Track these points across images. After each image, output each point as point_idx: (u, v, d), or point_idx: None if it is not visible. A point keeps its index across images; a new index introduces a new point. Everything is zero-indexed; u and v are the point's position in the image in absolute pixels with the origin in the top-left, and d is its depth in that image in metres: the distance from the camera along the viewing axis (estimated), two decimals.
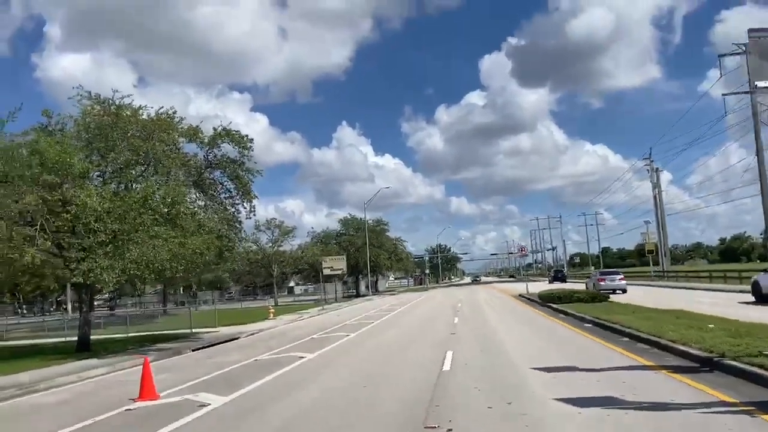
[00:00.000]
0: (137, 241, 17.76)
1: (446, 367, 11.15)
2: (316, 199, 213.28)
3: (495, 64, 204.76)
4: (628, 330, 13.90)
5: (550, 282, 63.16)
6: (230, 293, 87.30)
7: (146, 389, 9.88)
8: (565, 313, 21.75)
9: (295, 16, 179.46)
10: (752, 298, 22.86)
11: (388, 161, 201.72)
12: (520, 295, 38.38)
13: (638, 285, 47.46)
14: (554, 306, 25.19)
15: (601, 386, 8.29)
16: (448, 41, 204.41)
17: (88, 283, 18.00)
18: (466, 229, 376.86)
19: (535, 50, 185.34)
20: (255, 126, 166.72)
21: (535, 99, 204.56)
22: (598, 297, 25.42)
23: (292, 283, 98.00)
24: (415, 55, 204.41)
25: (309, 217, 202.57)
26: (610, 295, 28.28)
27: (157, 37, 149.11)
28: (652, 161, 58.18)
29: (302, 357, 14.57)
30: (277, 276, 61.10)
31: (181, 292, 79.94)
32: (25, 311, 66.96)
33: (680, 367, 9.40)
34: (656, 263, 58.40)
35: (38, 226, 17.96)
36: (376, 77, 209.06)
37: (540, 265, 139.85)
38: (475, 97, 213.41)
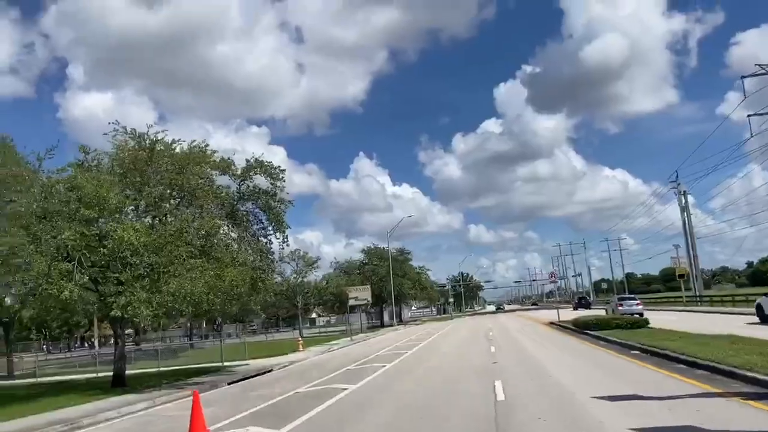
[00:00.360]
0: (174, 274, 17.74)
1: (500, 397, 10.78)
2: (334, 229, 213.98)
3: (510, 92, 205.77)
4: (683, 356, 13.40)
5: (575, 309, 62.08)
6: (253, 326, 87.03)
7: (197, 424, 9.65)
8: (606, 340, 21.17)
9: (312, 51, 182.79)
10: None
11: (406, 191, 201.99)
12: (551, 323, 37.64)
13: (671, 311, 46.39)
14: (592, 333, 24.58)
15: (676, 415, 7.90)
16: (463, 71, 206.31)
17: (126, 317, 17.95)
18: (485, 257, 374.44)
19: (550, 77, 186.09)
20: (273, 158, 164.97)
21: (551, 125, 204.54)
22: (637, 323, 24.77)
23: (313, 315, 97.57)
24: (430, 85, 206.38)
25: (327, 247, 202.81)
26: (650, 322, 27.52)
27: (177, 75, 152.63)
28: (679, 184, 57.40)
29: (344, 389, 14.26)
30: (301, 307, 60.83)
31: (204, 325, 79.88)
32: (51, 348, 67.28)
33: (752, 394, 8.96)
34: (685, 288, 57.13)
35: (76, 261, 18.01)
36: (392, 108, 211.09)
37: (562, 292, 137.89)
38: (491, 125, 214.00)
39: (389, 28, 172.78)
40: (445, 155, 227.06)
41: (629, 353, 16.81)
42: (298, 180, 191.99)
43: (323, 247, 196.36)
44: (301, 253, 57.64)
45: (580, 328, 27.80)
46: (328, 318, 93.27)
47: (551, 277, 54.21)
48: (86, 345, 73.96)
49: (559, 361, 16.63)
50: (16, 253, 16.66)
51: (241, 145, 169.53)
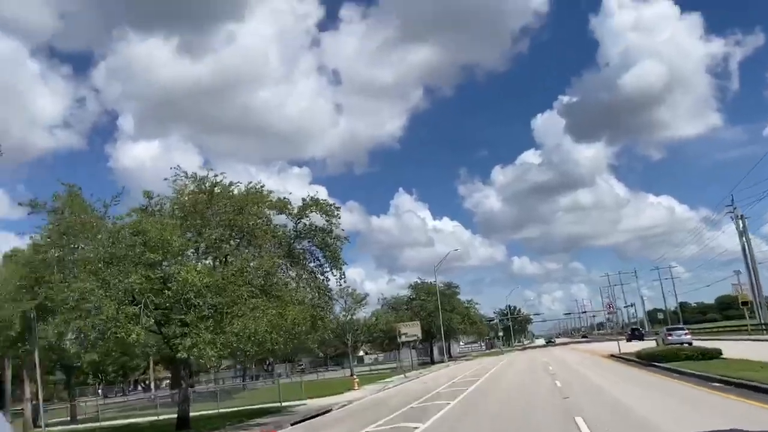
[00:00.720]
0: (237, 314, 17.85)
1: None
2: (376, 266, 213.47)
3: (548, 123, 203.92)
4: None
5: (629, 340, 59.81)
6: (302, 365, 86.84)
7: None
8: (679, 372, 20.18)
9: (350, 92, 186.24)
10: None
11: (447, 225, 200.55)
12: (611, 355, 36.27)
13: (736, 340, 44.18)
14: (660, 365, 23.50)
15: None
16: (499, 104, 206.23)
17: (191, 358, 18.09)
18: (530, 289, 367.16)
19: (588, 106, 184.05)
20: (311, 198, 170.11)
21: (591, 154, 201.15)
22: (709, 354, 23.59)
23: (361, 353, 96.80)
24: (467, 119, 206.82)
25: (370, 284, 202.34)
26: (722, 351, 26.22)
27: (220, 121, 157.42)
28: (735, 208, 55.36)
29: (414, 428, 13.91)
30: (351, 345, 60.47)
31: (254, 366, 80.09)
32: (106, 392, 68.35)
33: None
34: (742, 316, 54.47)
35: (142, 305, 18.33)
36: (429, 143, 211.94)
37: (613, 324, 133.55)
38: (530, 156, 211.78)
39: (424, 66, 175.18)
40: (484, 188, 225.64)
41: (709, 385, 15.93)
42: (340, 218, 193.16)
43: (366, 283, 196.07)
44: (350, 290, 57.57)
45: (645, 360, 26.64)
46: (376, 355, 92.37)
47: (608, 307, 52.28)
48: (140, 388, 74.98)
49: (637, 395, 15.88)
50: (87, 298, 17.08)
51: (284, 185, 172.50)
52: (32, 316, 15.85)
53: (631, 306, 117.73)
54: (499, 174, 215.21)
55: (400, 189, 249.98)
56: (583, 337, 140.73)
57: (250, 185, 22.53)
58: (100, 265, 18.25)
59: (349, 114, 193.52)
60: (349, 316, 55.12)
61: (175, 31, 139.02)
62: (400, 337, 51.03)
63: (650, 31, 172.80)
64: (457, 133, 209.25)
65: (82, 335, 17.77)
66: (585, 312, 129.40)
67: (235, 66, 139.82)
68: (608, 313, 75.01)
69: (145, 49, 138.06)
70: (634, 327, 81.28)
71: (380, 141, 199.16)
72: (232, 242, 21.43)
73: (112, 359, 39.04)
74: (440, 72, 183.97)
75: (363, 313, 61.72)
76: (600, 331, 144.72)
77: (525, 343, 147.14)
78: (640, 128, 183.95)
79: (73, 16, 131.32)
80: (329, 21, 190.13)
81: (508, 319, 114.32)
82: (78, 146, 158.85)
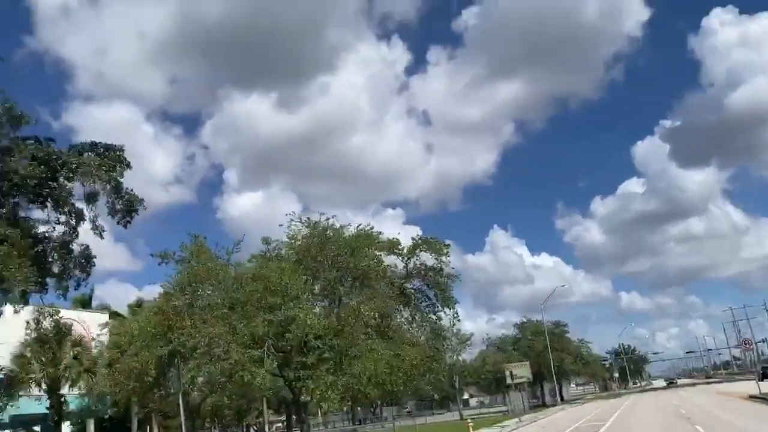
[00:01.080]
0: (356, 356, 17.89)
1: None
2: (473, 305, 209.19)
3: (650, 149, 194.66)
4: None
5: (760, 379, 53.95)
6: (407, 408, 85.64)
7: None
8: None
9: (440, 131, 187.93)
10: None
11: (546, 260, 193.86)
12: (750, 396, 32.86)
13: None
14: None
15: None
16: (595, 132, 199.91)
17: (312, 401, 18.24)
18: (642, 326, 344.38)
19: (694, 129, 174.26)
20: (409, 239, 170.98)
21: (700, 179, 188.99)
22: None
23: (466, 395, 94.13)
24: (561, 150, 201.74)
25: (468, 323, 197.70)
26: None
27: (317, 168, 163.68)
28: None
29: None
30: (458, 388, 58.96)
31: (359, 409, 79.93)
32: None
33: None
34: None
35: (266, 348, 18.80)
36: (523, 178, 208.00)
37: (740, 362, 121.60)
38: (632, 185, 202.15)
39: (514, 100, 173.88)
40: (584, 220, 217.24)
41: None
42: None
43: (465, 323, 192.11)
44: (455, 330, 56.48)
45: None
46: (482, 398, 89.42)
47: (745, 344, 47.60)
48: (253, 431, 76.73)
49: None
50: (216, 342, 17.77)
51: (378, 227, 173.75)
52: (177, 361, 16.66)
53: (762, 342, 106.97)
54: (599, 205, 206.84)
55: (495, 225, 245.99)
56: (707, 377, 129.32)
57: (360, 227, 22.89)
58: (225, 310, 19.01)
59: (440, 153, 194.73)
60: (455, 357, 53.93)
61: (273, 87, 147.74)
62: (512, 378, 49.04)
63: (758, 46, 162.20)
64: (552, 166, 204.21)
65: (212, 378, 18.40)
66: (709, 350, 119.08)
67: (328, 115, 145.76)
68: (745, 350, 68.44)
69: (246, 106, 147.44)
70: (765, 365, 73.56)
71: (472, 178, 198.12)
72: (345, 284, 21.71)
73: (230, 403, 40.22)
74: (531, 105, 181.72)
75: (468, 354, 60.22)
76: (725, 371, 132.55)
77: (642, 384, 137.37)
78: (754, 148, 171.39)
79: (182, 81, 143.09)
80: (417, 65, 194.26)
81: (622, 359, 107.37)
82: (189, 200, 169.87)
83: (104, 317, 35.12)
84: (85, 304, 36.68)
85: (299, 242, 22.26)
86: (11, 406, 16.08)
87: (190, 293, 19.84)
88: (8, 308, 12.93)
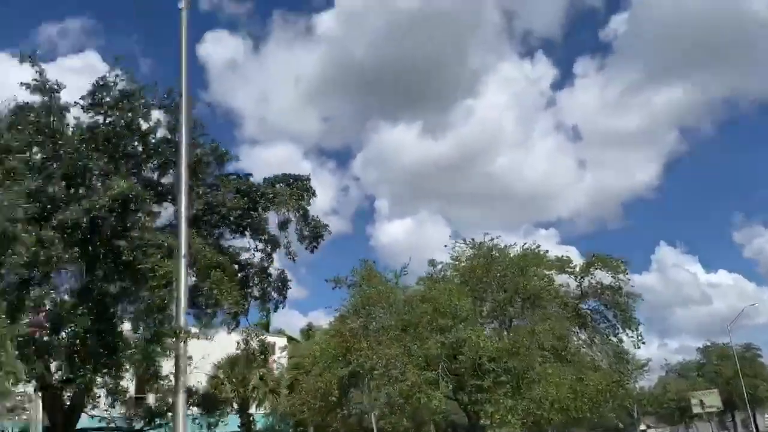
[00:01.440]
0: (535, 379, 17.21)
1: None
2: (645, 329, 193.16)
3: None
4: None
5: None
6: None
7: None
8: None
9: (592, 145, 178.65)
10: None
11: (724, 278, 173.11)
12: None
13: None
14: None
15: None
16: None
17: (493, 426, 17.79)
18: None
19: None
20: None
21: None
22: None
23: (642, 426, 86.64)
24: (735, 157, 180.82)
25: (641, 349, 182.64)
26: None
27: (464, 192, 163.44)
28: None
29: None
30: (637, 418, 54.45)
31: None
32: None
33: None
34: None
35: (440, 370, 18.70)
36: (692, 189, 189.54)
37: None
38: None
39: (676, 106, 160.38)
40: (767, 232, 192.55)
41: None
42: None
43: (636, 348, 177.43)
44: (630, 355, 52.38)
45: None
46: (661, 429, 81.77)
47: None
48: None
49: None
50: (392, 363, 18.08)
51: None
52: (367, 381, 17.24)
53: None
54: None
55: (662, 242, 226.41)
56: None
57: (526, 246, 22.23)
58: (398, 332, 19.33)
59: (593, 168, 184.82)
60: (633, 383, 50.03)
61: (418, 116, 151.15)
62: (702, 407, 44.27)
63: None
64: (725, 174, 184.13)
65: (391, 400, 18.73)
66: None
67: (473, 138, 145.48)
68: None
69: (393, 136, 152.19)
70: None
71: (633, 192, 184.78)
72: (515, 305, 21.11)
73: (402, 425, 40.67)
74: (696, 110, 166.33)
75: (645, 381, 55.47)
76: None
77: None
78: None
79: (334, 118, 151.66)
80: (563, 79, 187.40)
81: None
82: (345, 229, 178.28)
83: (283, 341, 37.44)
84: (265, 328, 39.49)
85: (463, 263, 22.14)
86: (222, 422, 17.72)
87: (364, 316, 20.45)
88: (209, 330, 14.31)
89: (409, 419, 33.60)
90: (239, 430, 28.15)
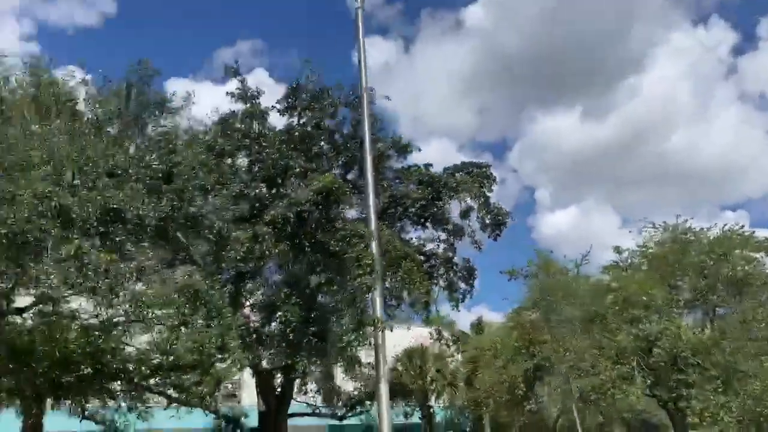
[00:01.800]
0: (750, 373, 15.35)
1: None
2: None
3: None
4: None
5: None
6: None
7: None
8: None
9: None
10: None
11: None
12: None
13: None
14: None
15: None
16: None
17: (704, 424, 16.16)
18: None
19: None
20: None
21: None
22: None
23: None
24: None
25: None
26: None
27: (633, 175, 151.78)
28: None
29: None
30: None
31: None
32: None
33: None
34: None
35: (635, 364, 17.44)
36: None
37: None
38: None
39: None
40: None
41: None
42: None
43: None
44: None
45: None
46: None
47: None
48: None
49: None
50: (582, 356, 17.22)
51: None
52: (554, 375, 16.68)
53: None
54: None
55: None
56: None
57: (726, 227, 19.91)
58: (583, 324, 18.40)
59: None
60: None
61: (576, 101, 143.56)
62: None
63: None
64: None
65: (583, 395, 17.88)
66: None
67: (641, 117, 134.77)
68: None
69: (551, 123, 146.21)
70: None
71: None
72: (718, 293, 18.99)
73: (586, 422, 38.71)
74: None
75: None
76: None
77: None
78: None
79: (488, 110, 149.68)
80: (745, 42, 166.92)
81: None
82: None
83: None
84: (436, 322, 39.85)
85: (652, 249, 20.41)
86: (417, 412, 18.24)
87: (544, 307, 19.76)
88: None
89: (598, 416, 31.92)
90: (420, 422, 28.69)
